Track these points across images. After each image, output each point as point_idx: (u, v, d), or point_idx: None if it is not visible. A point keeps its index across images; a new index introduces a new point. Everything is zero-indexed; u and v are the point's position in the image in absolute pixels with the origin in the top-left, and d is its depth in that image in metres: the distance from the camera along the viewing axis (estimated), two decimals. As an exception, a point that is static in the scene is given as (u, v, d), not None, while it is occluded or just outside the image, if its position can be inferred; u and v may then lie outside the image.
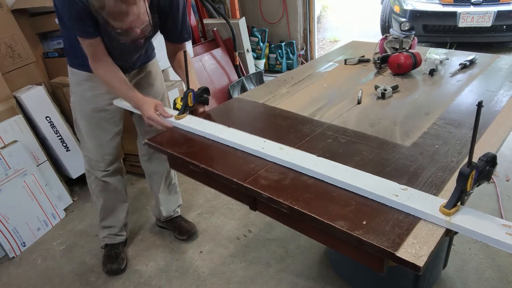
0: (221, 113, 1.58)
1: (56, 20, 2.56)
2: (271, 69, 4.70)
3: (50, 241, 2.27)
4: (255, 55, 4.44)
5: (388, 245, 0.81)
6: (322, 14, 7.90)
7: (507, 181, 2.41)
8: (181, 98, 1.49)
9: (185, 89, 1.51)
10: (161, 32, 1.63)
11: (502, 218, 0.86)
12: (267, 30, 4.56)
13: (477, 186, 0.88)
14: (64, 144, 2.54)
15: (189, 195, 2.54)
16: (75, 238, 2.27)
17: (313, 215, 0.92)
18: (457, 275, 1.79)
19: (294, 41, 4.65)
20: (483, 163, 0.86)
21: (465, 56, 1.95)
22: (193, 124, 1.40)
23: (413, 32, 4.79)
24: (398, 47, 1.99)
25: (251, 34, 4.38)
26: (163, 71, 2.22)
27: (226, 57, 3.84)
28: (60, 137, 2.52)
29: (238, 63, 3.87)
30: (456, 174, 0.91)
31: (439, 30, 4.78)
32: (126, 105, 1.62)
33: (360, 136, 1.28)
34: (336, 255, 1.86)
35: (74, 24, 1.41)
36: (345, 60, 2.04)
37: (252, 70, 4.08)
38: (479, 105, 0.80)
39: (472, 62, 1.88)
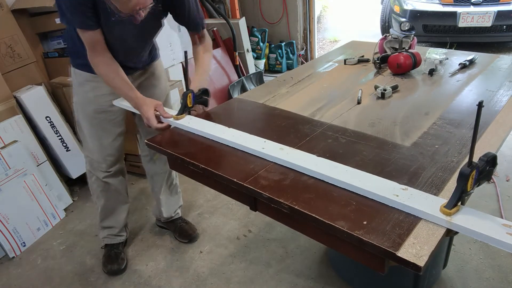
0: (221, 113, 1.58)
1: (57, 20, 2.58)
2: (271, 69, 4.70)
3: (50, 241, 2.27)
4: (255, 55, 4.44)
5: (388, 245, 0.81)
6: (322, 14, 7.90)
7: (507, 181, 2.41)
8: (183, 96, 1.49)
9: (185, 89, 1.51)
10: (176, 20, 1.63)
11: (502, 218, 0.86)
12: (267, 30, 4.56)
13: (477, 186, 0.88)
14: (64, 144, 2.54)
15: (189, 195, 2.54)
16: (75, 238, 2.27)
17: (313, 215, 0.92)
18: (457, 275, 1.79)
19: (294, 41, 4.65)
20: (483, 163, 0.86)
21: (465, 56, 1.95)
22: (193, 124, 1.40)
23: (413, 32, 4.80)
24: (397, 47, 1.99)
25: (251, 34, 4.38)
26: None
27: (226, 57, 3.84)
28: (60, 137, 2.52)
29: (238, 63, 3.87)
30: (456, 174, 0.91)
31: (439, 30, 4.78)
32: (126, 105, 1.62)
33: (360, 136, 1.28)
34: (336, 255, 1.86)
35: (73, 14, 1.39)
36: (345, 60, 2.04)
37: (252, 70, 4.08)
38: (480, 105, 0.80)
39: (471, 62, 1.88)
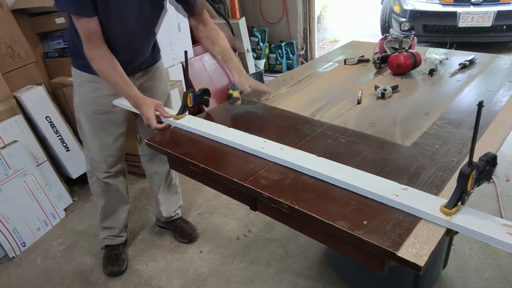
0: (221, 113, 1.58)
1: (57, 20, 2.58)
2: (271, 69, 4.70)
3: (50, 241, 2.27)
4: (255, 55, 4.44)
5: (389, 245, 0.81)
6: (322, 14, 7.90)
7: (507, 181, 2.41)
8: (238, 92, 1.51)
9: (185, 89, 1.51)
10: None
11: (502, 218, 0.86)
12: (267, 30, 4.56)
13: (477, 186, 0.88)
14: (64, 144, 2.54)
15: (189, 195, 2.54)
16: (75, 238, 2.27)
17: (313, 215, 0.92)
18: (457, 275, 1.79)
19: (294, 41, 4.65)
20: (483, 163, 0.86)
21: (465, 56, 1.95)
22: (193, 124, 1.40)
23: (413, 32, 4.80)
24: (397, 47, 1.99)
25: (251, 34, 4.38)
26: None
27: (226, 57, 3.84)
28: (60, 137, 2.52)
29: (238, 63, 3.87)
30: (456, 174, 0.91)
31: (439, 30, 4.78)
32: (126, 105, 1.61)
33: (360, 136, 1.28)
34: (336, 255, 1.86)
35: None
36: (345, 60, 2.04)
37: (252, 70, 4.09)
38: (480, 105, 0.80)
39: (471, 62, 1.88)
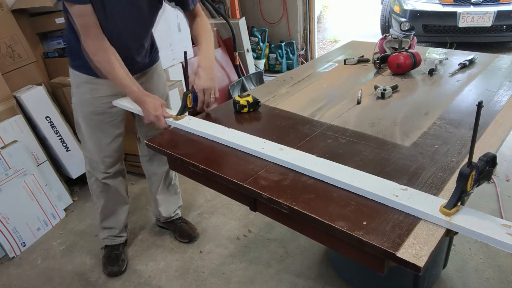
0: (221, 113, 1.58)
1: (57, 20, 2.58)
2: (271, 69, 4.70)
3: (50, 241, 2.27)
4: (255, 55, 4.44)
5: (388, 246, 0.81)
6: (322, 14, 7.90)
7: (507, 181, 2.41)
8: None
9: (185, 89, 1.51)
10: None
11: (502, 218, 0.86)
12: (267, 30, 4.56)
13: (477, 186, 0.88)
14: (64, 144, 2.54)
15: (189, 195, 2.54)
16: (75, 238, 2.27)
17: (313, 215, 0.92)
18: (457, 275, 1.79)
19: (294, 41, 4.65)
20: (483, 163, 0.86)
21: (465, 56, 1.94)
22: (192, 124, 1.40)
23: (413, 32, 4.80)
24: (397, 47, 1.99)
25: (251, 34, 4.38)
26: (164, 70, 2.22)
27: (226, 57, 3.84)
28: (60, 137, 2.52)
29: (238, 63, 3.87)
30: (456, 174, 0.91)
31: (439, 30, 4.78)
32: (126, 105, 1.61)
33: (360, 136, 1.28)
34: (336, 255, 1.86)
35: None
36: (345, 60, 2.04)
37: (252, 70, 4.09)
38: (479, 105, 0.80)
39: (471, 62, 1.88)
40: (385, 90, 1.58)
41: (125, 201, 2.00)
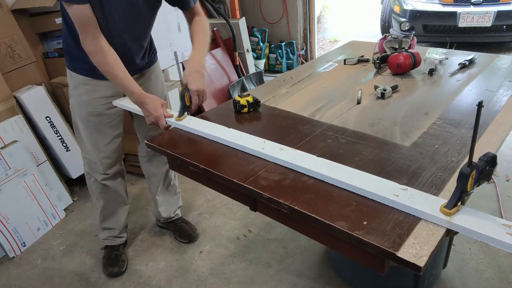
0: (221, 113, 1.58)
1: (57, 20, 2.58)
2: (271, 69, 4.71)
3: (50, 241, 2.27)
4: (255, 55, 4.44)
5: (388, 246, 0.81)
6: (322, 14, 7.90)
7: (507, 181, 2.41)
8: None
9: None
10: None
11: (502, 218, 0.86)
12: (267, 30, 4.56)
13: (477, 186, 0.88)
14: (64, 144, 2.54)
15: (189, 195, 2.54)
16: (75, 238, 2.27)
17: (313, 215, 0.92)
18: (457, 275, 1.79)
19: (294, 41, 4.65)
20: (483, 163, 0.86)
21: (465, 56, 1.95)
22: (193, 124, 1.40)
23: (413, 32, 4.80)
24: (397, 47, 1.99)
25: (251, 34, 4.38)
26: (162, 71, 2.21)
27: (226, 57, 3.84)
28: (60, 137, 2.52)
29: (238, 63, 3.87)
30: (456, 174, 0.91)
31: (439, 30, 4.78)
32: (125, 105, 1.61)
33: (360, 136, 1.28)
34: (336, 255, 1.86)
35: None
36: (345, 60, 2.04)
37: (252, 70, 4.08)
38: (479, 105, 0.80)
39: (471, 62, 1.88)
40: (385, 90, 1.58)
41: (125, 201, 2.00)
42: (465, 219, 0.84)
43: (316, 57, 4.85)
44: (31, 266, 2.09)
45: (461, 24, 4.56)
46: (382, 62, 1.88)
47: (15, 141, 2.25)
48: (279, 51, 4.59)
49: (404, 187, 0.97)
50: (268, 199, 1.01)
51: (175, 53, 1.43)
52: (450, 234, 0.87)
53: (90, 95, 1.65)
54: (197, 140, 1.35)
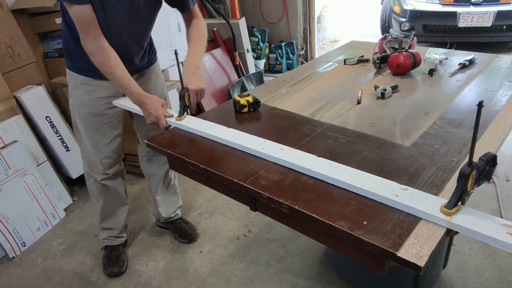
0: (221, 113, 1.58)
1: (57, 20, 2.58)
2: (271, 69, 4.71)
3: (50, 241, 2.27)
4: (255, 55, 4.44)
5: (389, 245, 0.81)
6: (322, 14, 7.90)
7: (507, 181, 2.41)
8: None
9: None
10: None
11: (502, 218, 0.86)
12: (267, 30, 4.56)
13: (477, 186, 0.88)
14: (64, 144, 2.54)
15: (189, 195, 2.54)
16: (75, 238, 2.27)
17: (313, 215, 0.92)
18: (457, 275, 1.79)
19: (294, 41, 4.65)
20: (483, 163, 0.86)
21: (465, 56, 1.95)
22: (193, 124, 1.40)
23: (413, 32, 4.80)
24: (397, 47, 1.99)
25: (251, 34, 4.38)
26: (162, 71, 2.21)
27: (226, 57, 3.84)
28: (60, 137, 2.52)
29: (238, 63, 3.87)
30: (456, 174, 0.91)
31: (439, 30, 4.79)
32: (126, 105, 1.61)
33: (360, 136, 1.28)
34: (336, 255, 1.86)
35: None
36: (345, 60, 2.04)
37: (252, 70, 4.08)
38: (480, 105, 0.80)
39: (471, 62, 1.88)
40: (385, 90, 1.58)
41: (125, 201, 2.00)
42: (465, 219, 0.84)
43: (316, 57, 4.85)
44: (31, 266, 2.09)
45: (461, 24, 4.56)
46: (382, 62, 1.88)
47: (15, 141, 2.25)
48: (279, 51, 4.59)
49: (404, 187, 0.97)
50: (268, 199, 1.01)
51: (175, 51, 1.43)
52: (450, 234, 0.87)
53: (90, 95, 1.65)
54: (197, 140, 1.35)
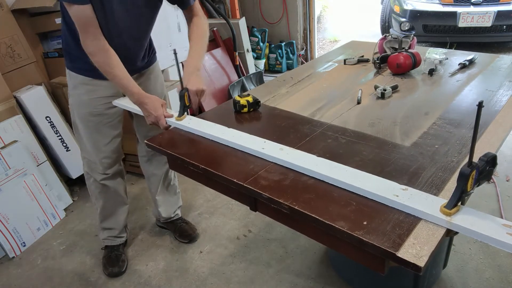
0: (221, 113, 1.58)
1: (57, 20, 2.58)
2: (271, 69, 4.71)
3: (50, 241, 2.27)
4: (255, 55, 4.44)
5: (389, 246, 0.81)
6: (322, 14, 7.90)
7: (507, 181, 2.41)
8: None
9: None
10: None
11: (502, 218, 0.86)
12: (267, 30, 4.56)
13: (477, 186, 0.88)
14: (64, 144, 2.54)
15: (189, 195, 2.54)
16: (75, 238, 2.27)
17: (313, 215, 0.92)
18: (457, 275, 1.79)
19: (294, 41, 4.65)
20: (483, 163, 0.86)
21: (465, 56, 1.95)
22: (193, 124, 1.40)
23: (413, 32, 4.80)
24: (397, 47, 1.99)
25: (251, 34, 4.38)
26: (162, 71, 2.21)
27: (226, 57, 3.84)
28: (60, 137, 2.52)
29: (238, 63, 3.87)
30: (456, 174, 0.91)
31: (439, 30, 4.79)
32: (126, 105, 1.61)
33: (360, 136, 1.28)
34: (336, 255, 1.86)
35: None
36: (345, 60, 2.04)
37: (252, 70, 4.08)
38: (480, 105, 0.80)
39: (471, 62, 1.88)
40: (385, 90, 1.58)
41: (124, 201, 2.00)
42: (465, 219, 0.84)
43: (316, 57, 4.85)
44: (31, 266, 2.09)
45: (461, 24, 4.56)
46: (382, 62, 1.88)
47: (15, 141, 2.25)
48: (279, 51, 4.59)
49: (404, 187, 0.97)
50: (268, 199, 1.01)
51: (174, 50, 1.43)
52: (450, 234, 0.87)
53: (90, 95, 1.64)
54: (197, 140, 1.35)
